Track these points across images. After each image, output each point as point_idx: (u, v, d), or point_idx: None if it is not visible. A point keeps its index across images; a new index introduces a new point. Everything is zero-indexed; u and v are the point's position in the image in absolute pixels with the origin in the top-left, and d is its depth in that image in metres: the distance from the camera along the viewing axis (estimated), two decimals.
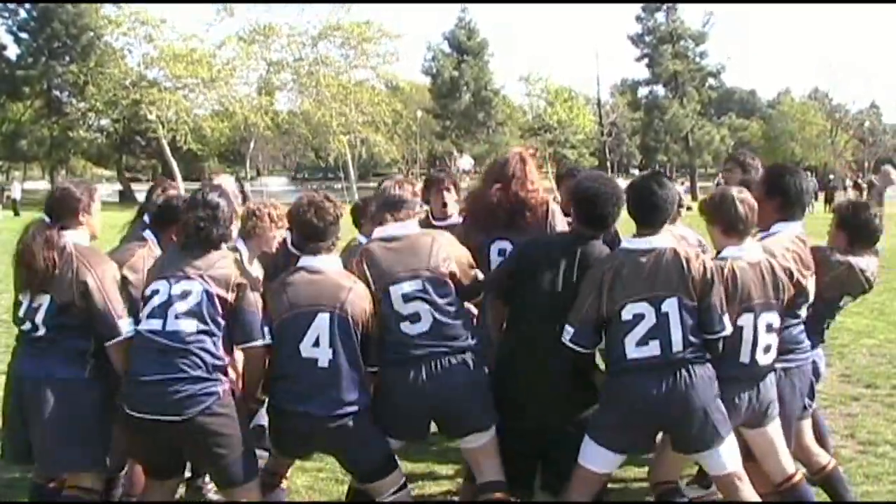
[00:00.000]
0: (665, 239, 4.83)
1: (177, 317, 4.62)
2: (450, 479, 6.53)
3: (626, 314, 4.67)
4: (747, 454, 5.00)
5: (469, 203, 5.97)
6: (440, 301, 4.96)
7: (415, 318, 4.92)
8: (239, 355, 4.99)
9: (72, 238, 4.88)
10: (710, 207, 5.05)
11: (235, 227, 5.14)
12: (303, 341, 4.78)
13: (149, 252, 5.33)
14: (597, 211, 5.05)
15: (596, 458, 4.82)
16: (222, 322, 4.71)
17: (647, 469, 6.47)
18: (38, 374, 4.76)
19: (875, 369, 9.52)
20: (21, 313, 4.89)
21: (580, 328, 4.78)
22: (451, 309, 5.00)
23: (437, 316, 4.93)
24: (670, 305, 4.65)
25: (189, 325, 4.62)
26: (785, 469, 5.04)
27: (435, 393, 4.87)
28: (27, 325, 4.85)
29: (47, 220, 4.94)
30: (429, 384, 4.86)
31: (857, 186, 50.52)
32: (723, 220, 4.96)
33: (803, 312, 5.25)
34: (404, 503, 5.02)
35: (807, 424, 5.52)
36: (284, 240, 5.80)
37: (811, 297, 5.26)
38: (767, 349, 4.90)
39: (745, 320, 4.83)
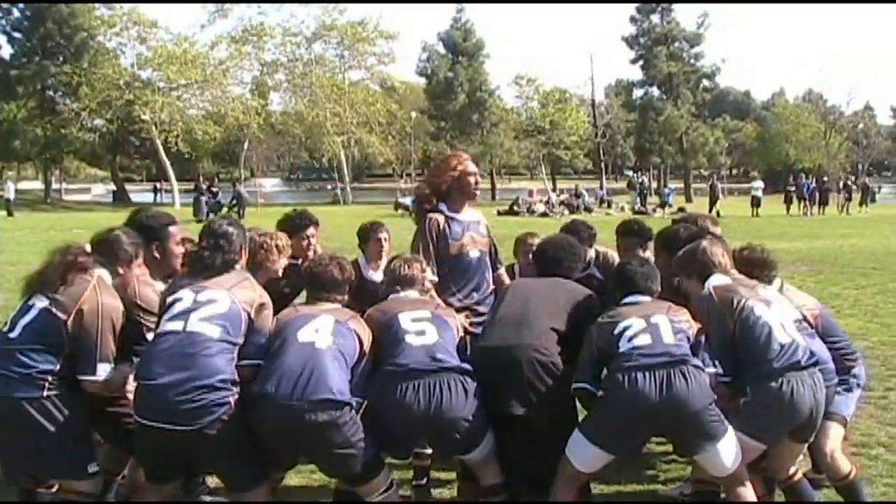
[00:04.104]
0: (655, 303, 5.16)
1: (200, 320, 4.61)
2: (444, 483, 6.51)
3: (618, 329, 4.90)
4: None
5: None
6: (445, 329, 5.17)
7: (420, 333, 5.06)
8: None
9: (99, 271, 4.89)
10: (682, 264, 5.36)
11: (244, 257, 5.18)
12: (301, 330, 4.83)
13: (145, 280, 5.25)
14: (552, 257, 5.63)
15: (585, 457, 4.88)
16: (242, 339, 4.72)
17: (646, 468, 6.53)
18: (6, 391, 4.61)
19: (868, 371, 9.50)
20: (13, 311, 4.85)
21: (579, 374, 5.01)
22: (454, 341, 5.20)
23: (441, 335, 5.08)
24: (660, 318, 4.91)
25: (212, 331, 4.60)
26: (787, 470, 5.13)
27: (429, 418, 4.87)
28: (7, 324, 4.79)
29: (88, 249, 4.96)
30: (424, 408, 4.85)
31: (845, 188, 50.62)
32: (699, 271, 5.23)
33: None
34: (393, 503, 5.03)
35: (834, 432, 5.56)
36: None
37: None
38: (791, 338, 4.96)
39: (760, 309, 4.94)
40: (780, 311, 5.02)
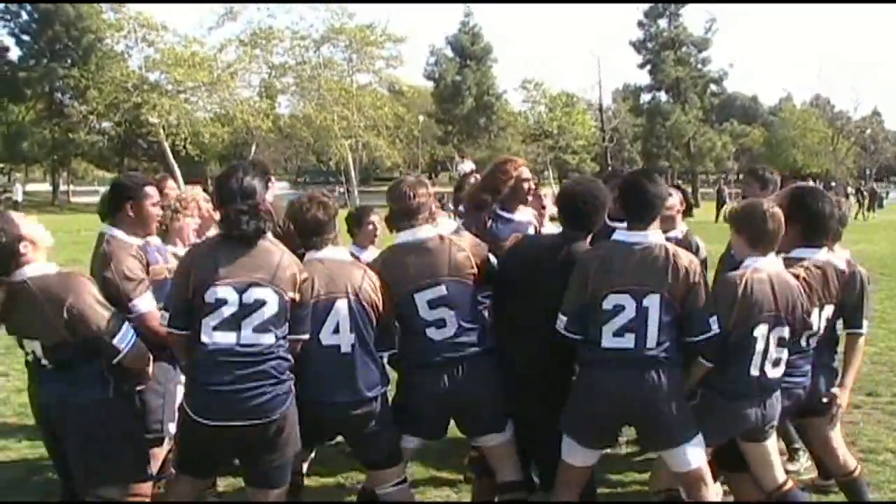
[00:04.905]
0: (656, 235, 4.88)
1: (254, 330, 4.40)
2: (450, 484, 6.52)
3: (607, 304, 4.72)
4: (739, 464, 5.08)
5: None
6: (464, 303, 5.05)
7: (440, 323, 4.98)
8: None
9: (28, 273, 4.52)
10: (739, 217, 5.08)
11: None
12: (322, 330, 4.76)
13: (116, 245, 5.14)
14: (578, 209, 5.14)
15: (574, 452, 4.89)
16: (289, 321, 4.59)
17: (646, 470, 6.53)
18: (62, 398, 4.56)
19: (876, 377, 9.52)
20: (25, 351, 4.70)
21: (571, 316, 4.83)
22: (474, 312, 5.11)
23: (462, 321, 5.00)
24: (652, 301, 4.70)
25: (267, 338, 4.42)
26: (777, 479, 5.08)
27: (456, 397, 4.97)
28: (35, 362, 4.64)
29: None
30: (450, 389, 4.94)
31: (858, 192, 50.77)
32: (750, 232, 4.97)
33: (804, 343, 5.20)
34: (404, 501, 5.06)
35: (836, 428, 5.57)
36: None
37: (818, 329, 5.24)
38: (777, 363, 4.91)
39: (760, 331, 4.82)
40: (779, 333, 4.88)
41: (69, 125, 62.22)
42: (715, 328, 4.75)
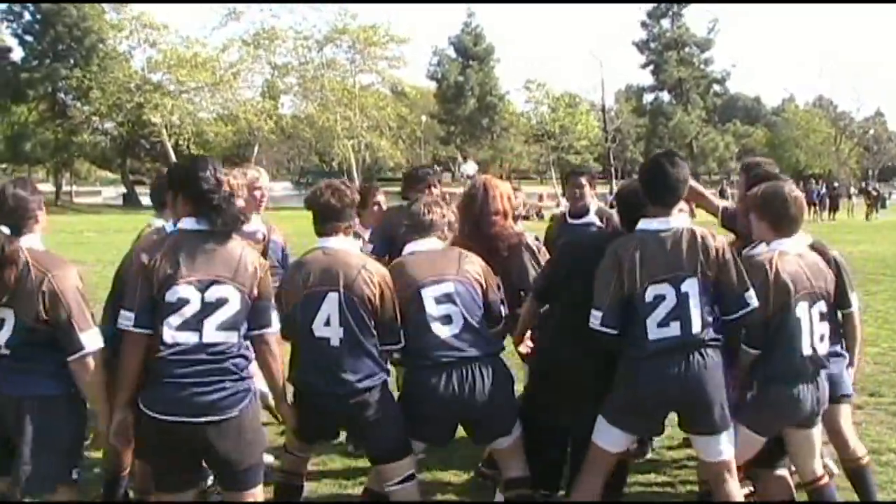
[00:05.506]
0: (681, 219, 4.87)
1: (217, 328, 4.28)
2: (453, 484, 6.50)
3: (648, 296, 4.67)
4: (769, 460, 5.06)
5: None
6: (470, 304, 5.04)
7: (446, 319, 4.97)
8: None
9: (25, 243, 4.41)
10: (760, 202, 5.05)
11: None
12: (314, 321, 4.76)
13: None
14: (638, 211, 5.05)
15: (608, 437, 4.84)
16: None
17: (649, 471, 6.53)
18: (16, 391, 4.34)
19: (879, 377, 9.48)
20: None
21: (608, 311, 4.73)
22: (480, 312, 5.09)
23: (468, 318, 5.00)
24: (690, 285, 4.67)
25: (230, 337, 4.30)
26: (815, 470, 5.08)
27: (463, 402, 4.91)
28: None
29: (7, 230, 4.41)
30: (458, 393, 4.88)
31: (864, 193, 50.98)
32: (772, 216, 4.97)
33: None
34: (410, 501, 5.00)
35: (845, 411, 5.58)
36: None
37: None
38: (822, 338, 4.92)
39: (802, 310, 4.83)
40: (819, 308, 4.92)
41: (72, 126, 62.32)
42: (753, 302, 4.73)
